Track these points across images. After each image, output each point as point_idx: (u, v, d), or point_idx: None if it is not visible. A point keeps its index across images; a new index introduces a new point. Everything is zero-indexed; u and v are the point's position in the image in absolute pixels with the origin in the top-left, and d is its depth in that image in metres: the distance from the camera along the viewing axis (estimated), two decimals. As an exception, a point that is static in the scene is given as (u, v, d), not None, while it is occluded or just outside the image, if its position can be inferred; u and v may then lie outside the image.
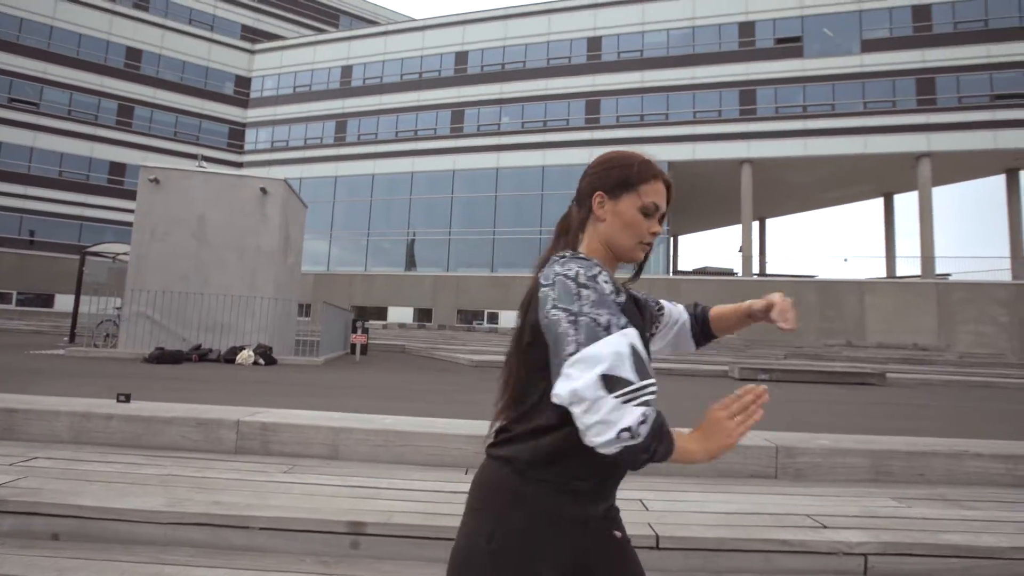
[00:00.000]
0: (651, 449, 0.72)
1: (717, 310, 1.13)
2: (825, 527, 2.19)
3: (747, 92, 24.90)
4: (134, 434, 2.99)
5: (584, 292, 0.79)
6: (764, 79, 24.66)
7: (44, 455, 2.71)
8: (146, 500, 2.13)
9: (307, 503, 2.18)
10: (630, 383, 0.72)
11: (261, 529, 2.01)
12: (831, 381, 10.24)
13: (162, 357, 8.18)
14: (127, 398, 3.36)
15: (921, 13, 23.30)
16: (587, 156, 26.62)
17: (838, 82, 23.80)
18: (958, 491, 2.86)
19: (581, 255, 0.87)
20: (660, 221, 0.95)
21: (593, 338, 0.74)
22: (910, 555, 2.04)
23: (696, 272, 28.86)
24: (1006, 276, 22.29)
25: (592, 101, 26.93)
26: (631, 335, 0.76)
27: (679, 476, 2.85)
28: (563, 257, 0.86)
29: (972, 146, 21.98)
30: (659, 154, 24.85)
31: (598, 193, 0.94)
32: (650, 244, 0.94)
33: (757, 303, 1.07)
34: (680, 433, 0.78)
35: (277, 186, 10.65)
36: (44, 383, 5.20)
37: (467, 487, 0.89)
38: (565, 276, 0.81)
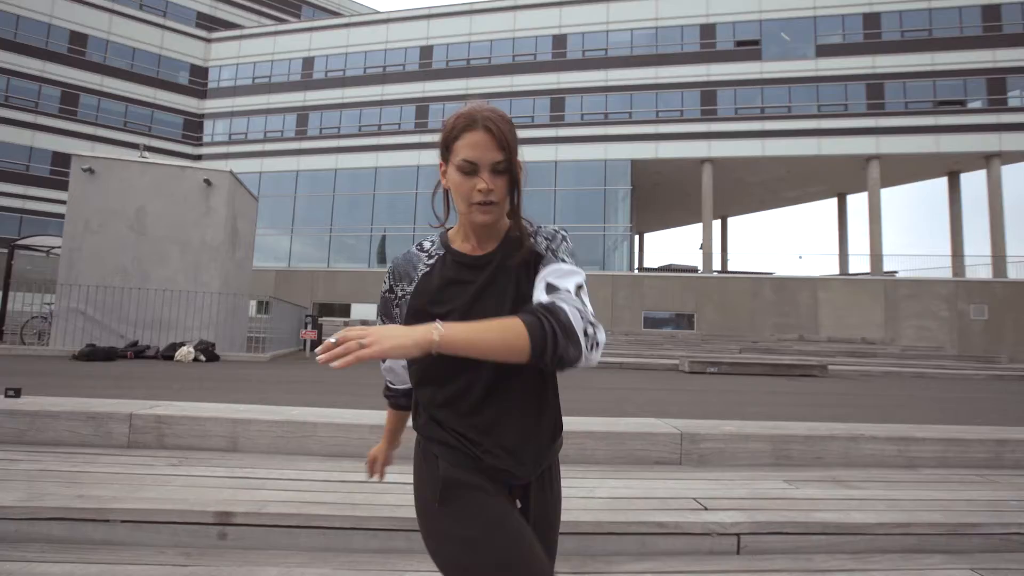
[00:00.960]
0: None
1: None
2: (706, 509, 2.23)
3: (708, 93, 25.45)
4: (17, 430, 2.82)
5: None
6: (724, 80, 25.24)
7: (-93, 453, 2.53)
8: (3, 496, 2.01)
9: (179, 495, 2.10)
10: None
11: (122, 522, 1.92)
12: (777, 373, 10.58)
13: (93, 354, 7.80)
14: (16, 393, 3.17)
15: (872, 20, 24.27)
16: (552, 154, 26.74)
17: (794, 85, 24.57)
18: (851, 473, 2.97)
19: (419, 243, 1.01)
20: (498, 173, 0.89)
21: None
22: (781, 533, 2.10)
23: (661, 269, 29.40)
24: (947, 273, 23.50)
25: (557, 99, 27.04)
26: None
27: (581, 463, 2.87)
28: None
29: (917, 149, 23.05)
30: (624, 152, 25.18)
31: (440, 164, 0.96)
32: (485, 203, 0.88)
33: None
34: None
35: (223, 177, 10.29)
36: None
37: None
38: None
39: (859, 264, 25.74)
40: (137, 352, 8.46)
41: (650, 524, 2.06)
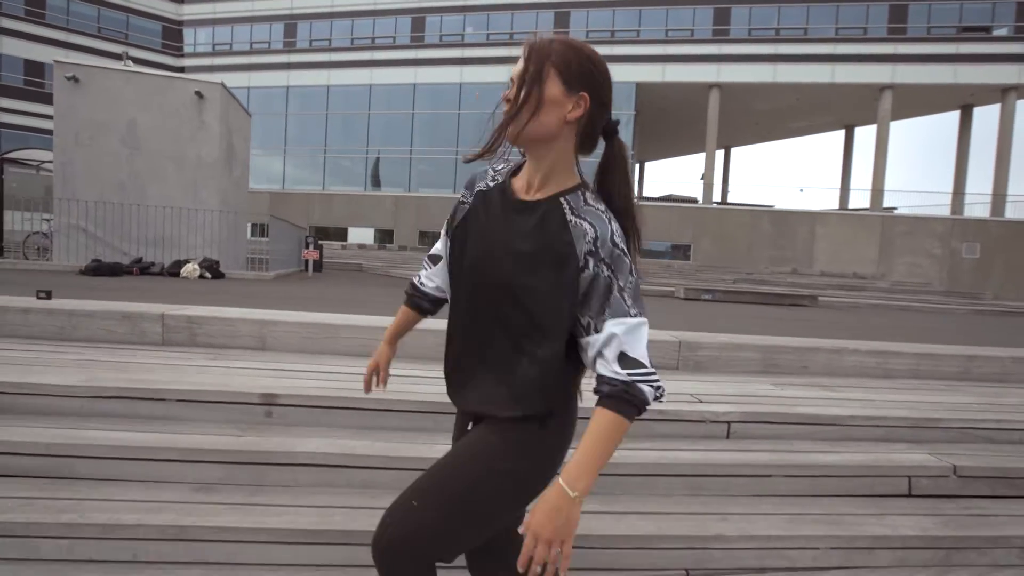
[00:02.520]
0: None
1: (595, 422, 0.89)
2: (701, 402, 2.48)
3: (722, 11, 23.95)
4: (56, 327, 2.99)
5: None
6: (740, -4, 23.69)
7: (-41, 344, 2.70)
8: (64, 378, 2.20)
9: (222, 380, 2.30)
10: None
11: (177, 401, 2.13)
12: (769, 302, 10.91)
13: (99, 269, 7.91)
14: (48, 295, 3.31)
15: (904, -67, 22.44)
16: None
17: (813, 4, 23.13)
18: (834, 380, 3.24)
19: (506, 163, 1.05)
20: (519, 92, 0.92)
21: None
22: (766, 422, 2.36)
23: (660, 199, 29.14)
24: (945, 211, 23.50)
25: (561, 13, 25.40)
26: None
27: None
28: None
29: (934, 79, 22.20)
30: (629, 74, 23.99)
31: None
32: (506, 115, 0.93)
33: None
34: None
35: (214, 90, 9.88)
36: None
37: (355, 378, 1.18)
38: None
39: (859, 199, 25.63)
40: (142, 268, 8.56)
41: (652, 411, 2.29)
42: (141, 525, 1.57)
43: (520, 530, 0.89)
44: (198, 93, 9.64)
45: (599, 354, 0.87)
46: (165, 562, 1.57)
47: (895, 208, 24.39)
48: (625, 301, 0.87)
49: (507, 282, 0.90)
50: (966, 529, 1.88)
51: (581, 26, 25.07)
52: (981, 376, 3.50)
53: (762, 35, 23.68)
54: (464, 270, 0.97)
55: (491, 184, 0.99)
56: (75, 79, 9.13)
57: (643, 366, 0.86)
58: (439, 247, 1.14)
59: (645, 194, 33.03)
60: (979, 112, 24.22)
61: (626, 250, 0.89)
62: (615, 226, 0.89)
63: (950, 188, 24.35)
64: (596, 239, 0.88)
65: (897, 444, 2.38)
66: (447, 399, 1.06)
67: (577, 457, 0.84)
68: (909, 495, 2.10)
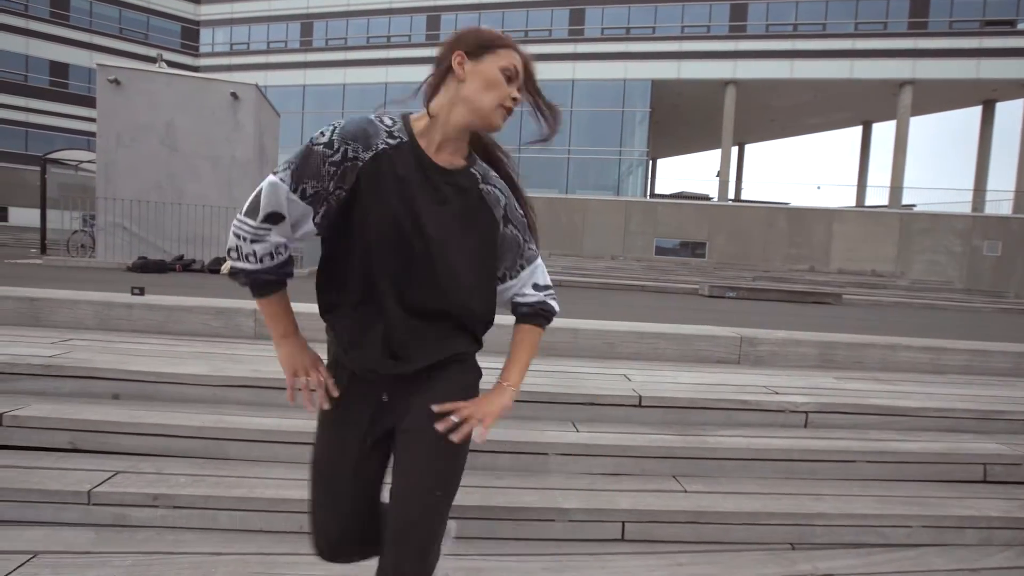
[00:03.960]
0: (240, 278, 0.97)
1: (521, 335, 1.08)
2: (777, 393, 2.63)
3: (738, 7, 23.85)
4: (157, 321, 3.19)
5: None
6: (758, -8, 23.58)
7: (78, 337, 2.91)
8: (194, 367, 2.39)
9: (338, 371, 2.48)
10: (242, 220, 0.92)
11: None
12: (792, 300, 10.99)
13: (146, 266, 8.17)
14: (141, 291, 3.52)
15: (925, -75, 22.20)
16: (570, 72, 25.56)
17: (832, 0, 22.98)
18: (889, 375, 3.37)
19: (379, 116, 0.94)
20: (520, 93, 0.95)
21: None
22: (841, 412, 2.51)
23: (673, 196, 29.12)
24: (966, 208, 23.30)
25: (576, 10, 25.40)
26: (272, 184, 0.89)
27: (655, 360, 3.26)
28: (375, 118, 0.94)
29: (956, 75, 21.98)
30: (644, 72, 23.99)
31: (458, 52, 0.92)
32: (509, 110, 0.94)
33: (485, 397, 1.07)
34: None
35: (248, 91, 10.13)
36: (42, 286, 5.25)
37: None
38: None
39: (876, 196, 25.47)
40: (185, 265, 8.82)
41: (734, 402, 2.45)
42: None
43: (452, 418, 0.95)
44: (233, 94, 9.88)
45: (519, 292, 1.05)
46: (326, 531, 1.75)
47: (914, 205, 24.20)
48: (530, 246, 1.04)
49: (442, 240, 0.92)
50: (1044, 511, 2.02)
51: (596, 23, 25.10)
52: (1031, 372, 3.61)
53: (779, 31, 23.57)
54: (379, 232, 0.91)
55: (392, 141, 0.92)
56: (117, 82, 9.40)
57: (551, 287, 1.08)
58: (277, 205, 0.90)
59: (658, 191, 33.03)
60: (1002, 107, 23.97)
61: (522, 210, 1.05)
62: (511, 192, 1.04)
63: (971, 185, 24.13)
64: (507, 205, 1.01)
65: (965, 435, 2.52)
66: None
67: (516, 364, 1.03)
68: (984, 481, 2.24)
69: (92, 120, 27.79)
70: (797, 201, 25.31)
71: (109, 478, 1.81)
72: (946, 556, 1.85)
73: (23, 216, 23.82)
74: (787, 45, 23.31)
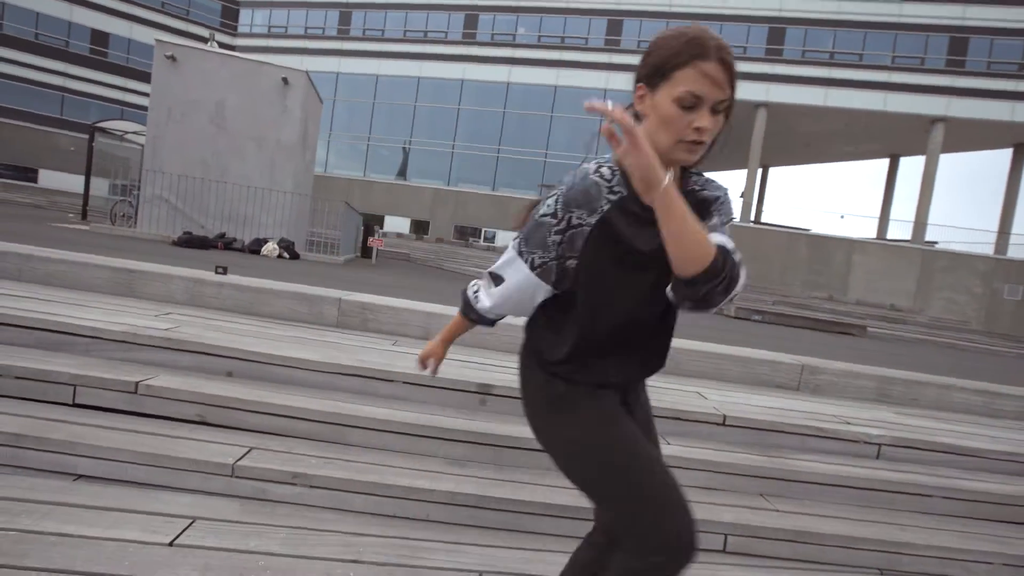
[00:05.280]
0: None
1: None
2: (849, 424, 2.72)
3: (776, 30, 23.89)
4: (245, 302, 3.33)
5: (530, 219, 0.97)
6: (796, 17, 23.60)
7: (176, 312, 3.05)
8: (300, 352, 2.52)
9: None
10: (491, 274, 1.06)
11: (404, 383, 2.44)
12: (817, 328, 11.03)
13: (190, 242, 8.36)
14: (224, 271, 3.66)
15: (970, -35, 22.14)
16: (603, 81, 25.64)
17: (871, 30, 22.96)
18: (944, 414, 3.45)
19: (599, 168, 0.92)
20: (717, 113, 0.84)
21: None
22: (913, 448, 2.60)
23: (694, 214, 29.04)
24: (988, 250, 23.19)
25: (614, 21, 25.52)
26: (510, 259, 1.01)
27: (718, 379, 3.36)
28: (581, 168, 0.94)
29: (990, 115, 21.90)
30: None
31: (639, 85, 0.87)
32: (697, 142, 0.84)
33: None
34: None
35: (299, 77, 10.31)
36: (108, 255, 5.41)
37: None
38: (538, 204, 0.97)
39: (899, 230, 25.37)
40: (226, 244, 9.00)
41: (811, 428, 2.55)
42: (435, 490, 1.87)
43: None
44: (284, 79, 10.06)
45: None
46: (447, 522, 1.87)
47: (936, 243, 24.10)
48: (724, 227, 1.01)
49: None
50: (1118, 561, 2.10)
51: (633, 35, 25.19)
52: (1079, 423, 3.68)
53: (815, 58, 23.57)
54: (620, 292, 0.94)
55: (612, 199, 0.90)
56: (173, 58, 9.60)
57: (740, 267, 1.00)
58: (508, 269, 1.02)
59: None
60: (1032, 152, 23.79)
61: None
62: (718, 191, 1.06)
63: (995, 227, 23.99)
64: (723, 202, 1.03)
65: (1032, 480, 2.60)
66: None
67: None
68: (1054, 527, 2.33)
69: (128, 91, 28.18)
70: (817, 228, 25.23)
71: (246, 453, 1.94)
72: (1027, 595, 1.94)
73: (52, 179, 24.22)
74: (822, 72, 23.31)
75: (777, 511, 2.08)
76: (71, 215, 11.99)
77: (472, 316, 1.14)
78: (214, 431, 2.08)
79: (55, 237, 6.82)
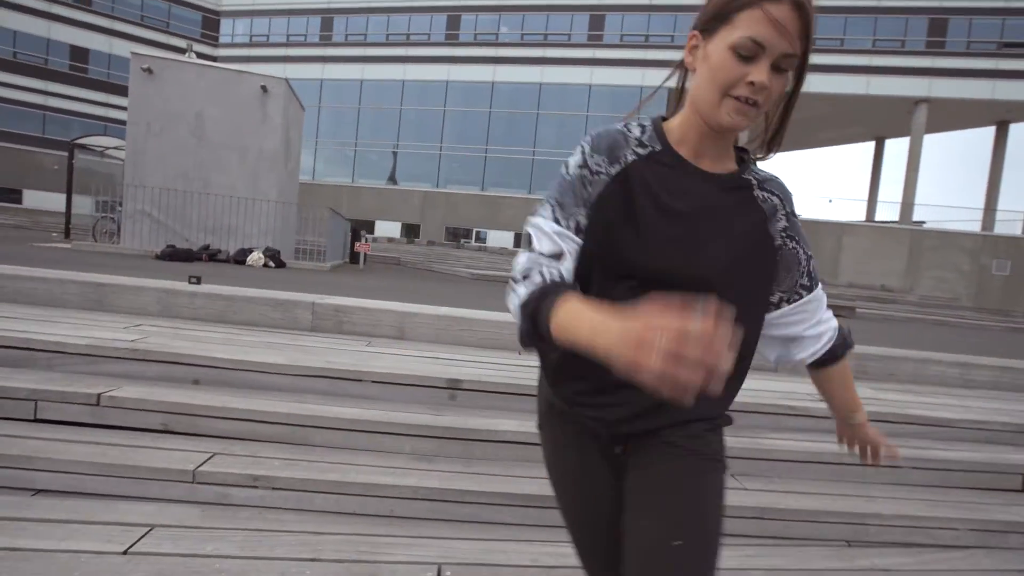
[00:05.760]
0: (521, 330, 0.66)
1: (846, 373, 0.93)
2: (821, 400, 2.73)
3: (757, 18, 24.00)
4: (218, 310, 3.31)
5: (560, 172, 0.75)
6: (776, 4, 23.70)
7: (147, 323, 3.03)
8: (268, 356, 2.51)
9: (405, 364, 2.60)
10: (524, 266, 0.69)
11: (373, 382, 2.43)
12: (805, 311, 11.08)
13: (174, 255, 8.31)
14: (198, 280, 3.64)
15: (946, -55, 22.30)
16: (587, 76, 25.68)
17: (851, 15, 23.06)
18: (921, 388, 3.47)
19: (627, 123, 0.76)
20: (781, 71, 0.66)
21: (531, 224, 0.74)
22: (886, 421, 2.61)
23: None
24: (975, 227, 23.34)
25: (596, 16, 25.54)
26: (539, 223, 0.72)
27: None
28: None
29: (971, 94, 22.04)
30: (658, 80, 24.50)
31: (693, 33, 0.72)
32: (749, 102, 0.66)
33: (863, 430, 0.97)
34: (585, 313, 0.57)
35: (278, 85, 10.27)
36: (88, 271, 5.37)
37: (521, 368, 0.92)
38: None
39: (887, 212, 25.50)
40: (211, 255, 8.96)
41: (782, 407, 2.56)
42: (399, 485, 1.87)
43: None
44: (263, 87, 10.02)
45: (818, 318, 0.84)
46: (410, 517, 1.86)
47: (924, 222, 24.25)
48: (813, 264, 0.83)
49: (726, 269, 0.73)
50: (1085, 523, 2.12)
51: (616, 30, 25.22)
52: (1057, 391, 3.71)
53: (797, 43, 23.67)
54: (651, 260, 0.72)
55: (643, 151, 0.74)
56: (150, 71, 9.55)
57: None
58: (558, 241, 0.72)
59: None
60: (1015, 128, 24.00)
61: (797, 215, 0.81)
62: (789, 190, 0.80)
63: (981, 204, 24.16)
64: (787, 213, 0.79)
65: (1003, 447, 2.62)
66: None
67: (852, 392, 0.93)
68: (1023, 490, 2.34)
69: (109, 106, 27.98)
70: (807, 214, 25.34)
71: (208, 459, 1.93)
72: (994, 557, 1.96)
73: (37, 199, 24.06)
74: (804, 57, 23.42)
75: (745, 489, 2.08)
76: (55, 234, 11.91)
77: (526, 339, 0.67)
78: (178, 439, 2.07)
79: (35, 257, 6.76)
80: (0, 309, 2.94)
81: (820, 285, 0.85)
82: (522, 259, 0.71)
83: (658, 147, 0.75)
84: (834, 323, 0.87)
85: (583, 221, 0.73)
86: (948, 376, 3.63)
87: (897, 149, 25.12)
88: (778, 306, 0.83)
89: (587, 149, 0.74)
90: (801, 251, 0.80)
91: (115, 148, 11.38)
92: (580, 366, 0.67)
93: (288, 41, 29.09)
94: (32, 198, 24.42)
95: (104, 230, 10.42)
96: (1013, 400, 3.33)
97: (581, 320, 0.56)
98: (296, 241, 11.79)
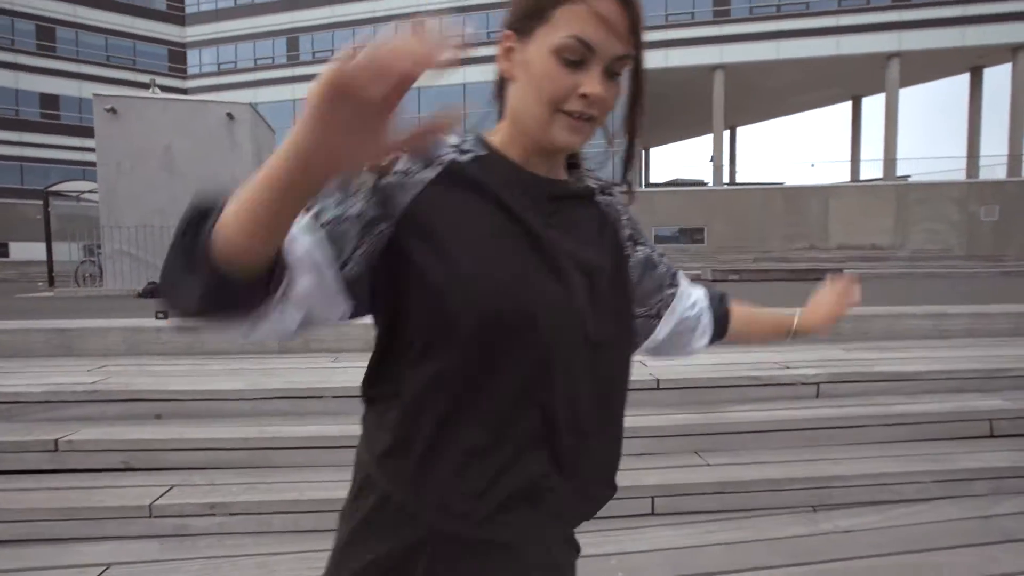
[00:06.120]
0: (167, 271, 0.47)
1: (745, 314, 0.79)
2: (788, 368, 2.73)
3: (722, -9, 23.96)
4: (185, 343, 3.30)
5: None
6: (739, -24, 23.68)
7: (112, 363, 3.02)
8: (229, 383, 2.50)
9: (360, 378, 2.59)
10: None
11: (334, 398, 2.42)
12: (794, 279, 11.09)
13: (156, 291, 8.27)
14: (165, 315, 3.63)
15: None
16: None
17: (814, -23, 23.06)
18: (894, 343, 3.47)
19: (463, 139, 0.59)
20: (614, 76, 0.54)
21: None
22: (850, 381, 2.61)
23: (668, 184, 29.18)
24: (961, 176, 23.36)
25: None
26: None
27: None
28: None
29: (941, 44, 22.04)
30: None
31: (507, 34, 0.57)
32: (587, 117, 0.54)
33: (812, 322, 0.83)
34: None
35: (243, 111, 10.23)
36: (63, 317, 5.36)
37: None
38: None
39: (872, 170, 25.53)
40: (194, 287, 8.94)
41: (748, 379, 2.56)
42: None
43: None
44: (229, 115, 9.98)
45: (683, 307, 0.72)
46: (374, 526, 1.86)
47: (909, 176, 24.27)
48: (663, 257, 0.73)
49: (588, 302, 0.57)
50: (1050, 460, 2.12)
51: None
52: (1032, 331, 3.71)
53: (763, 13, 23.63)
54: (482, 298, 0.51)
55: (464, 156, 0.57)
56: (113, 110, 9.51)
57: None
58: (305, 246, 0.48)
59: (653, 180, 33.12)
60: (989, 73, 24.01)
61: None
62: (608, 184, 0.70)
63: (964, 152, 24.19)
64: (629, 217, 0.68)
65: (971, 393, 2.62)
66: None
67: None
68: (991, 436, 2.35)
69: (86, 150, 27.85)
70: (793, 180, 25.37)
71: (166, 492, 1.92)
72: (959, 506, 1.96)
73: (24, 250, 23.97)
74: (772, 26, 23.38)
75: (708, 465, 2.08)
76: (40, 283, 11.87)
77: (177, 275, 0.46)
78: (137, 475, 2.06)
79: (15, 308, 6.75)
80: (-38, 365, 2.93)
81: (675, 270, 0.73)
82: None
83: (483, 151, 0.59)
84: (698, 292, 0.76)
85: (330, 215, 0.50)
86: (922, 328, 3.63)
87: (875, 106, 25.15)
88: (656, 317, 0.70)
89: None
90: (650, 250, 0.69)
91: (90, 192, 11.34)
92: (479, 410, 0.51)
93: (256, 65, 29.01)
94: (18, 250, 24.30)
95: (87, 273, 10.39)
96: (987, 346, 3.33)
97: (271, 160, 0.37)
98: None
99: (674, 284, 0.71)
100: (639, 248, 0.67)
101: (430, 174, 0.54)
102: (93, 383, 2.53)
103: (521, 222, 0.55)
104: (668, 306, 0.70)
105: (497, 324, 0.51)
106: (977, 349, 3.25)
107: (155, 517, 1.83)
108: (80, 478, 2.04)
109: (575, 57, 0.52)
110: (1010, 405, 2.42)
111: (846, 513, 1.93)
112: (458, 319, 0.50)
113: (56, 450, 2.11)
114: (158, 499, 1.87)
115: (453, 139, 0.59)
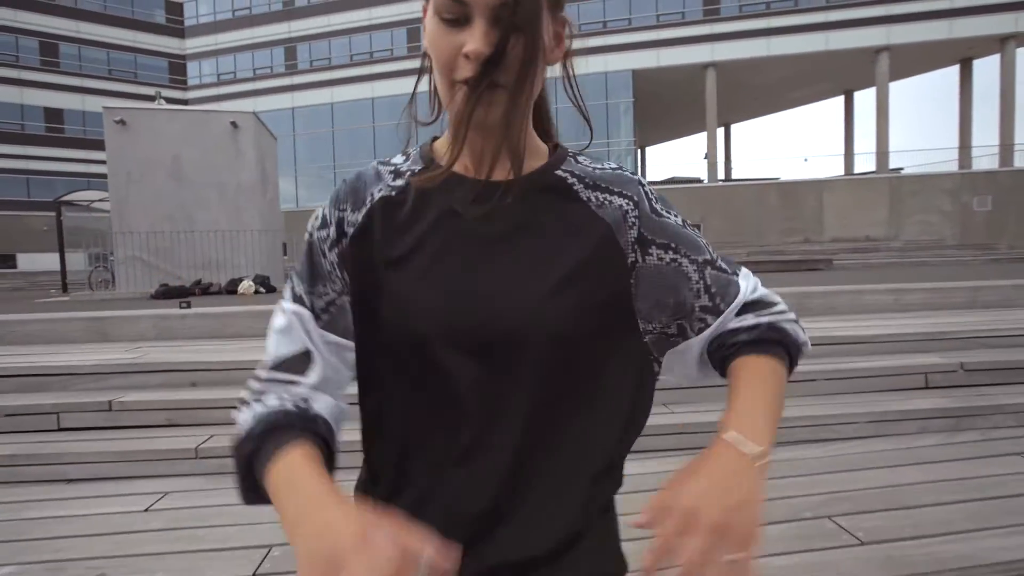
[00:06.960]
0: (237, 483, 0.50)
1: (738, 381, 0.53)
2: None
3: (712, -9, 24.34)
4: (210, 327, 3.64)
5: None
6: (729, -25, 24.07)
7: (146, 345, 3.36)
8: (251, 355, 2.84)
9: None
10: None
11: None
12: (786, 269, 11.40)
13: (168, 293, 8.62)
14: (188, 305, 3.97)
15: None
16: (555, 69, 25.95)
17: (802, -26, 23.43)
18: (858, 316, 3.79)
19: (391, 157, 0.58)
20: (513, 26, 0.44)
21: None
22: (815, 345, 2.93)
23: (664, 182, 29.52)
24: (953, 167, 23.66)
25: (554, 9, 25.87)
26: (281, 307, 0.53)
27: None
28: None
29: (930, 36, 22.37)
30: (624, 63, 24.54)
31: (424, 4, 0.50)
32: (471, 81, 0.45)
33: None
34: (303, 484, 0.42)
35: (247, 119, 10.60)
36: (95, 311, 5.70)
37: None
38: None
39: (865, 163, 25.85)
40: (203, 289, 9.28)
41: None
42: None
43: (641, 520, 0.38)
44: (233, 123, 10.35)
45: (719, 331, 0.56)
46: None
47: (902, 168, 24.57)
48: (716, 264, 0.58)
49: (541, 327, 0.49)
50: (971, 402, 2.44)
51: (573, 19, 25.53)
52: (986, 303, 4.03)
53: (753, 10, 24.01)
54: (424, 326, 0.48)
55: (398, 182, 0.55)
56: (123, 122, 9.88)
57: (778, 304, 0.60)
58: (301, 335, 0.53)
59: (649, 178, 33.41)
60: (979, 64, 24.33)
61: (667, 208, 0.57)
62: (646, 184, 0.57)
63: (956, 143, 24.49)
64: (640, 216, 0.54)
65: (928, 353, 2.94)
66: None
67: (746, 401, 0.50)
68: (926, 387, 2.67)
69: (90, 162, 28.30)
70: (787, 176, 25.68)
71: (208, 439, 2.26)
72: (888, 442, 2.28)
73: (32, 261, 24.39)
74: (762, 24, 23.75)
75: (672, 412, 2.41)
76: (52, 291, 12.24)
77: (244, 484, 0.50)
78: (181, 429, 2.40)
79: (38, 308, 7.09)
80: (14, 349, 3.27)
81: (736, 295, 0.56)
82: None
83: (419, 167, 0.55)
84: (760, 319, 0.55)
85: (319, 301, 0.52)
86: (884, 303, 3.95)
87: (867, 100, 25.46)
88: (683, 336, 0.57)
89: (329, 206, 0.56)
90: (685, 261, 0.55)
91: (100, 201, 11.72)
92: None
93: (255, 75, 29.47)
94: (26, 261, 24.72)
95: (99, 279, 10.75)
96: (944, 317, 3.65)
97: (290, 493, 0.41)
98: (286, 266, 12.12)
99: (714, 311, 0.55)
100: (655, 253, 0.54)
101: (356, 217, 0.54)
102: (134, 359, 2.87)
103: (429, 243, 0.50)
104: (697, 332, 0.55)
105: (415, 354, 0.48)
106: (935, 318, 3.57)
107: (201, 458, 2.16)
108: (132, 432, 2.38)
109: (451, 15, 0.45)
110: (945, 361, 2.74)
111: (791, 448, 2.25)
112: (381, 351, 0.51)
113: (110, 409, 2.45)
114: (203, 443, 2.20)
115: (398, 160, 0.57)
